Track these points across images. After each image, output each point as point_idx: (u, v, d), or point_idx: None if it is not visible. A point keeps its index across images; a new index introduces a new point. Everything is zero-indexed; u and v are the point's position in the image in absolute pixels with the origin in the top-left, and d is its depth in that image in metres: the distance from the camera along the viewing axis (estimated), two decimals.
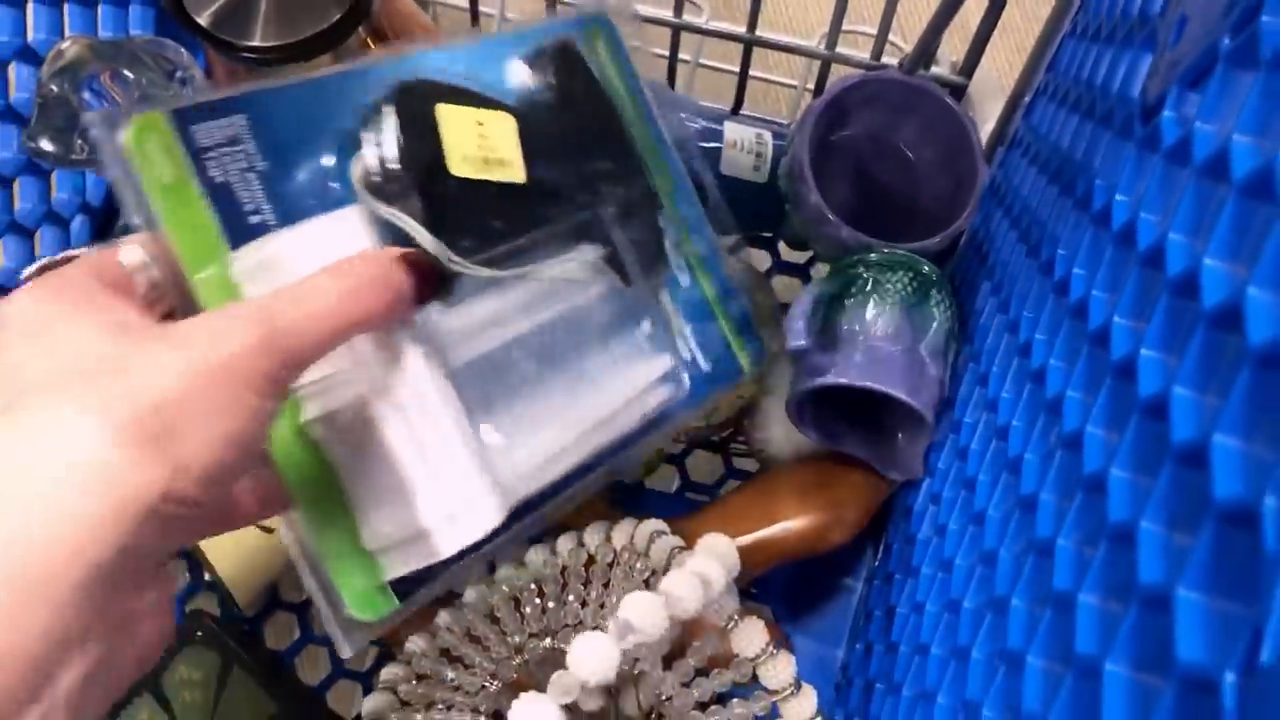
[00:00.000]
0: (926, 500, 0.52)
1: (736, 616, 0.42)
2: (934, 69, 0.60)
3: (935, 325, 0.52)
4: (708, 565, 0.39)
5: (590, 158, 0.40)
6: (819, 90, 0.61)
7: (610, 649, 0.39)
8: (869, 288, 0.52)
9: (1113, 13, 0.44)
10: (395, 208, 0.34)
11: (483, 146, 0.37)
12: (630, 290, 0.41)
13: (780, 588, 0.61)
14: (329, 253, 0.30)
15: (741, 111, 0.65)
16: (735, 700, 0.42)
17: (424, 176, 0.34)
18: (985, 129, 0.61)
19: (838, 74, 0.60)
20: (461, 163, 0.35)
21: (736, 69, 0.64)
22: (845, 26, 0.60)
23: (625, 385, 0.39)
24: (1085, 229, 0.37)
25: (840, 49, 0.61)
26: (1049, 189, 0.46)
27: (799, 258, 0.66)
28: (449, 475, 0.33)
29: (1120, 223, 0.34)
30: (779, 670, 0.41)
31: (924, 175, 0.59)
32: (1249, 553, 0.20)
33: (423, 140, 0.35)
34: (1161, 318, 0.28)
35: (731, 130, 0.59)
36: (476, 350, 0.35)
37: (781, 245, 0.66)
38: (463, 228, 0.35)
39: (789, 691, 0.42)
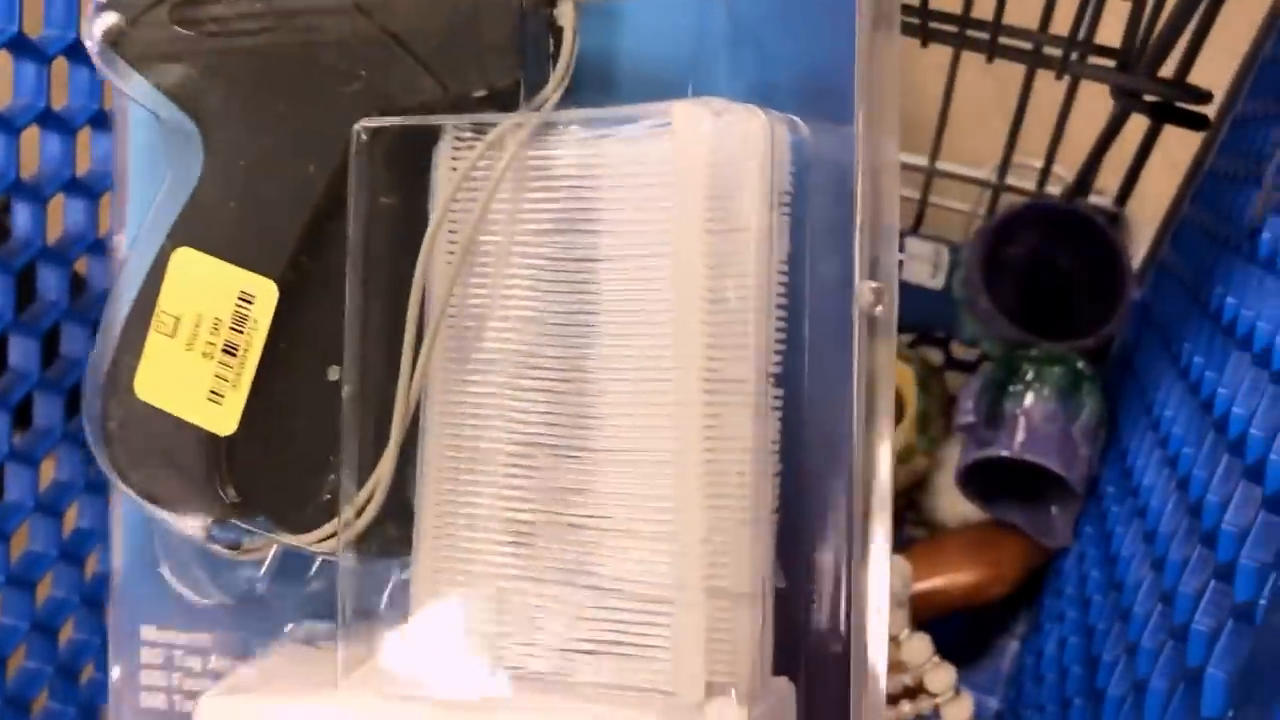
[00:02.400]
0: (1075, 565, 0.60)
1: (907, 631, 0.51)
2: (1093, 197, 0.70)
3: (1086, 411, 0.61)
4: (889, 574, 0.49)
5: None
6: (990, 213, 0.72)
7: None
8: (1030, 376, 0.62)
9: (1240, 153, 0.53)
10: None
11: None
12: None
13: (941, 643, 0.69)
14: None
15: (920, 230, 0.76)
16: (905, 701, 0.51)
17: None
18: (1142, 251, 0.71)
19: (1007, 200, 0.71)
20: None
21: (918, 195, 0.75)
22: (1015, 160, 0.71)
23: None
24: (1214, 336, 0.46)
25: (1010, 179, 0.71)
26: (1187, 307, 0.55)
27: (968, 355, 0.76)
28: None
29: (1231, 322, 0.43)
30: (942, 677, 0.51)
31: (1078, 287, 0.68)
32: None
33: None
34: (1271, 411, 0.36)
35: (913, 245, 0.71)
36: None
37: (953, 344, 0.76)
38: None
39: (949, 696, 0.51)
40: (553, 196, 0.32)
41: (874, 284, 0.31)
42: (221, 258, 0.33)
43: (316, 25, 0.33)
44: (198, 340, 0.34)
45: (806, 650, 0.32)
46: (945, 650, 0.70)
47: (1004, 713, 0.65)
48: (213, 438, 0.34)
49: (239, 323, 0.33)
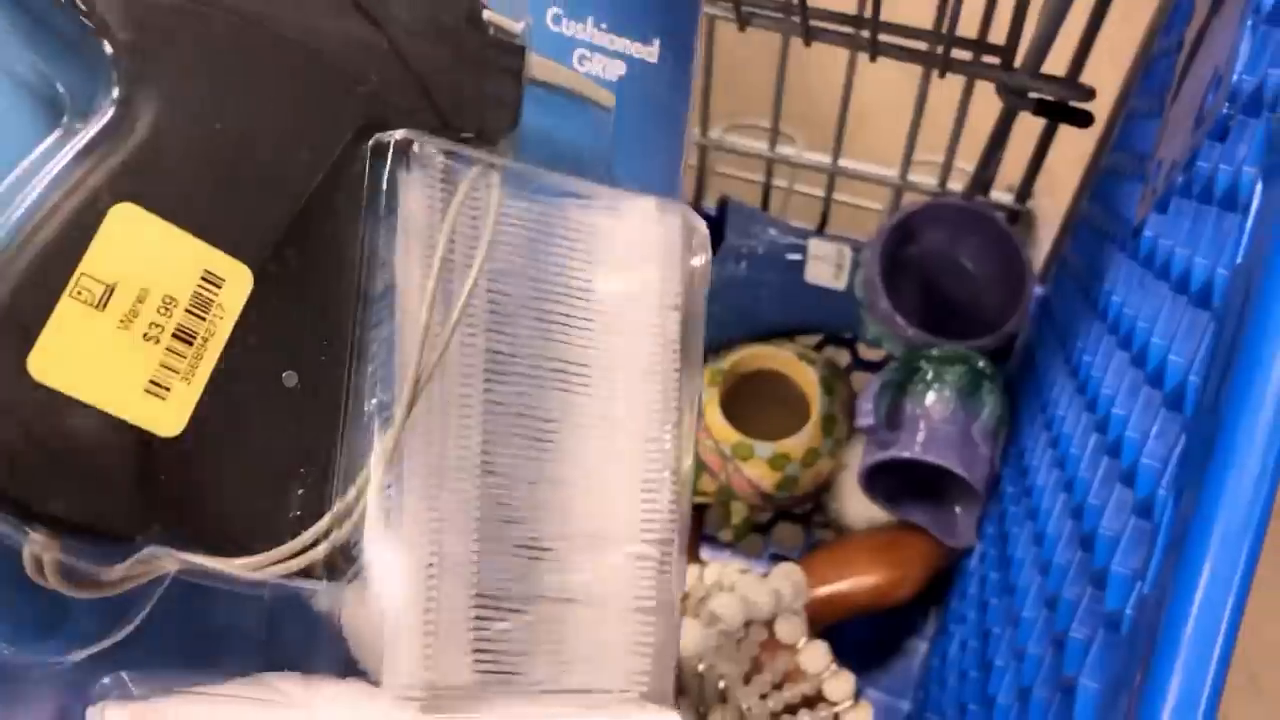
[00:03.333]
0: (977, 566, 0.60)
1: (805, 639, 0.51)
2: (994, 194, 0.70)
3: (987, 411, 0.61)
4: (759, 588, 0.48)
5: None
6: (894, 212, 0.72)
7: (698, 630, 0.48)
8: (930, 377, 0.61)
9: (1126, 152, 0.53)
10: None
11: None
12: None
13: (851, 645, 0.69)
14: None
15: (826, 230, 0.76)
16: (804, 711, 0.51)
17: None
18: (1044, 251, 0.71)
19: (915, 198, 0.70)
20: None
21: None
22: (923, 157, 0.70)
23: None
24: (1102, 337, 0.46)
25: (914, 177, 0.71)
26: (1080, 303, 0.55)
27: (874, 356, 0.76)
28: None
29: (1115, 320, 0.43)
30: (841, 685, 0.50)
31: (981, 285, 0.68)
32: None
33: None
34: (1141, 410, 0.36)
35: (815, 246, 0.70)
36: None
37: (860, 345, 0.76)
38: None
39: (848, 705, 0.50)
40: (510, 243, 0.34)
41: None
42: (183, 227, 0.29)
43: (314, 21, 0.31)
44: (138, 319, 0.28)
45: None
46: (857, 652, 0.69)
47: (913, 716, 0.65)
48: (148, 437, 0.28)
49: (201, 307, 0.29)
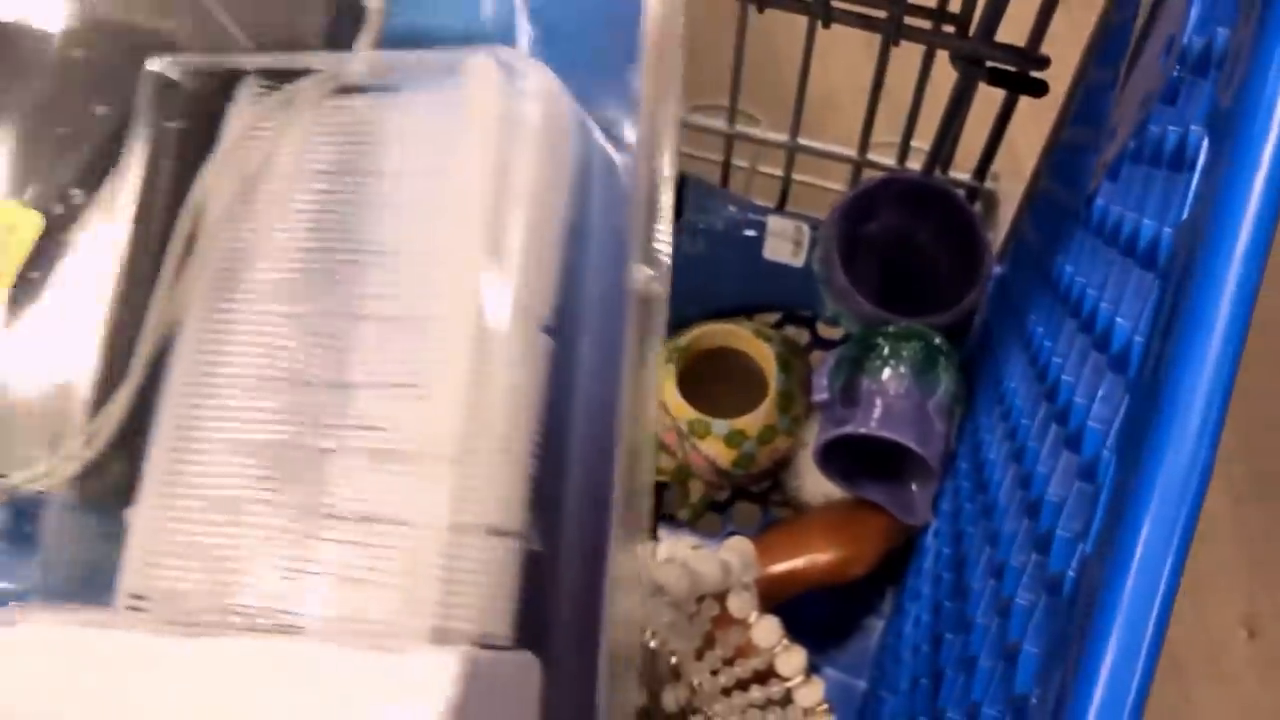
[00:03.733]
0: (932, 542, 0.60)
1: (756, 614, 0.50)
2: (952, 172, 0.69)
3: (942, 388, 0.60)
4: (706, 560, 0.47)
5: None
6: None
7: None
8: (886, 353, 0.61)
9: (1085, 125, 0.53)
10: None
11: None
12: None
13: (809, 624, 0.68)
14: None
15: (786, 208, 0.75)
16: (755, 686, 0.50)
17: None
18: (1004, 228, 0.70)
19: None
20: None
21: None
22: (885, 139, 0.70)
23: None
24: (1055, 307, 0.46)
25: (875, 156, 0.71)
26: (1036, 279, 0.54)
27: (833, 334, 0.75)
28: None
29: (1067, 289, 0.43)
30: (792, 660, 0.49)
31: (939, 262, 0.68)
32: None
33: None
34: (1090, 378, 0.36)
35: (774, 222, 0.69)
36: None
37: (819, 323, 0.75)
38: None
39: (800, 680, 0.50)
40: (333, 143, 0.32)
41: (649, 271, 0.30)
42: None
43: None
44: None
45: (555, 624, 0.30)
46: (814, 631, 0.69)
47: (869, 693, 0.65)
48: None
49: None
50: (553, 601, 0.30)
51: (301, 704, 0.25)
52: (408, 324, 0.29)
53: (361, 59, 0.33)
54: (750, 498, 0.73)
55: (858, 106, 0.67)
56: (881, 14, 0.53)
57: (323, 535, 0.28)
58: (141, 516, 0.30)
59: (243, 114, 0.33)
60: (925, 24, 0.55)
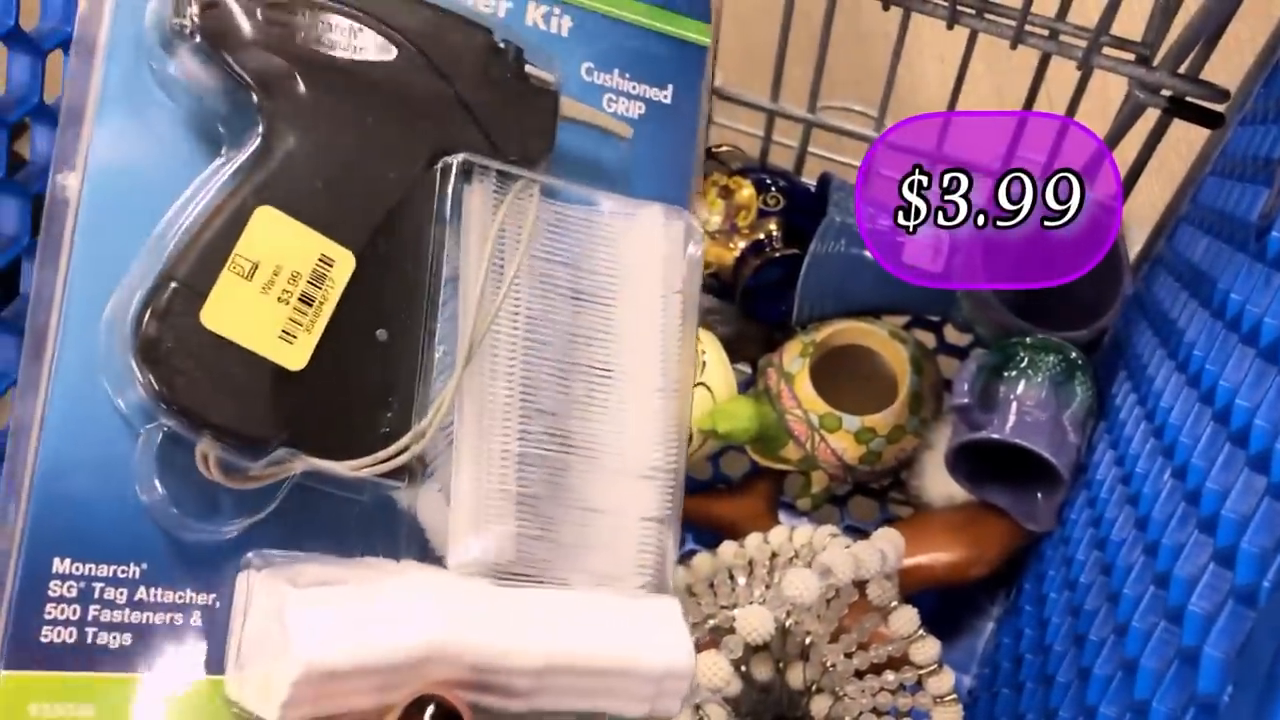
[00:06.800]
0: (1059, 550, 0.61)
1: (896, 602, 0.52)
2: None
3: (1078, 401, 0.62)
4: (867, 548, 0.50)
5: None
6: None
7: (766, 615, 0.50)
8: (1024, 364, 0.63)
9: (1245, 157, 0.54)
10: None
11: None
12: None
13: (923, 618, 0.71)
14: None
15: None
16: (888, 671, 0.52)
17: None
18: (1135, 249, 0.72)
19: None
20: None
21: None
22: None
23: None
24: (1216, 331, 0.47)
25: None
26: (1187, 298, 0.56)
27: (961, 340, 0.77)
28: None
29: (1236, 318, 0.44)
30: (927, 649, 0.52)
31: (1079, 279, 0.69)
32: None
33: None
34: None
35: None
36: None
37: (947, 328, 0.77)
38: None
39: (933, 669, 0.52)
40: (559, 240, 0.47)
41: None
42: (306, 223, 0.41)
43: (400, 77, 0.43)
44: (274, 286, 0.40)
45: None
46: (924, 625, 0.71)
47: (976, 690, 0.67)
48: (280, 370, 0.40)
49: (317, 279, 0.41)
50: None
51: (615, 626, 0.43)
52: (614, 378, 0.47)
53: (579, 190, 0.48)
54: (869, 493, 0.75)
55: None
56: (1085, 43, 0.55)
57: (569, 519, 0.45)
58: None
59: (475, 192, 0.44)
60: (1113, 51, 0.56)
